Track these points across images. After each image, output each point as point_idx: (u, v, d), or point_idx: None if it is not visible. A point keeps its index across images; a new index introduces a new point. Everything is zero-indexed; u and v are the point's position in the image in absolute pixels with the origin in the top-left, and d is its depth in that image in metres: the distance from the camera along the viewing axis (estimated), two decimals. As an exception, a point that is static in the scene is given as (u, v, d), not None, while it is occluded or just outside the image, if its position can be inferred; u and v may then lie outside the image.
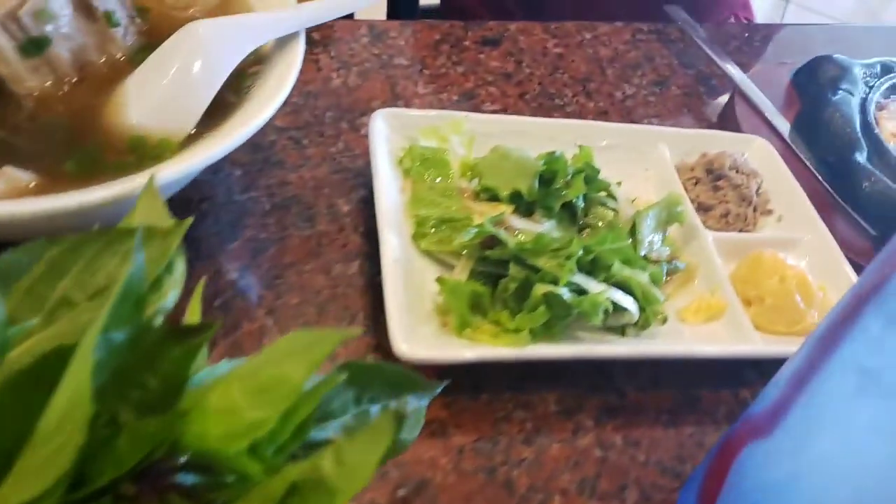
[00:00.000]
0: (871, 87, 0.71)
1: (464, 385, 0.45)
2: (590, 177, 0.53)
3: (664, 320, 0.50)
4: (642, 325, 0.47)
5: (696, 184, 0.59)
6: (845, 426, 0.30)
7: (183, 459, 0.29)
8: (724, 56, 0.75)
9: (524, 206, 0.52)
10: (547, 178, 0.52)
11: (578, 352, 0.43)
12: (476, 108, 0.66)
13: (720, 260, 0.53)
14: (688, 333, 0.49)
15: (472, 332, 0.44)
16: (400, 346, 0.41)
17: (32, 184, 0.39)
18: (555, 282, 0.43)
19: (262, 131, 0.58)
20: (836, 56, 0.74)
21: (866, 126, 0.66)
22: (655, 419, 0.46)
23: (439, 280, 0.45)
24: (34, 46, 0.43)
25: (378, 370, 0.33)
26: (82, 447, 0.22)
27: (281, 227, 0.52)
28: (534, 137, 0.58)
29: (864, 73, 0.73)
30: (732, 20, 1.08)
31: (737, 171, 0.58)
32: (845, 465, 0.30)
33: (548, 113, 0.68)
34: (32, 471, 0.23)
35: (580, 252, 0.44)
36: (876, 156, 0.63)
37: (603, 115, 0.69)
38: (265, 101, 0.43)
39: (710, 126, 0.71)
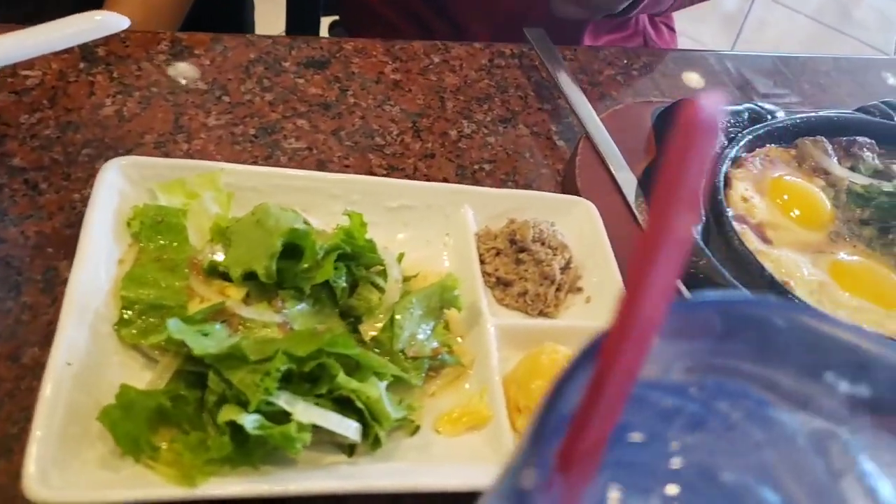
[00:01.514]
0: (731, 139, 0.64)
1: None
2: (353, 254, 0.45)
3: (415, 430, 0.43)
4: (373, 444, 0.40)
5: (497, 255, 0.52)
6: None
7: None
8: (577, 91, 0.67)
9: (265, 288, 0.44)
10: (295, 254, 0.44)
11: (258, 488, 0.36)
12: (275, 146, 0.58)
13: (499, 354, 0.46)
14: (438, 449, 0.42)
15: (150, 459, 0.37)
16: (29, 484, 0.33)
17: None
18: (245, 405, 0.36)
19: (-9, 172, 0.50)
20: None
21: (713, 190, 0.59)
22: (378, 557, 0.40)
23: (121, 388, 0.38)
24: None
25: None
26: None
27: (-25, 299, 0.44)
28: (312, 194, 0.50)
29: (729, 122, 0.66)
30: (649, 27, 1.00)
31: (542, 244, 0.51)
32: None
33: (362, 154, 0.60)
34: None
35: (284, 366, 0.37)
36: (716, 226, 0.56)
37: (428, 159, 0.61)
38: None
39: (555, 175, 0.64)
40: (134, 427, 0.37)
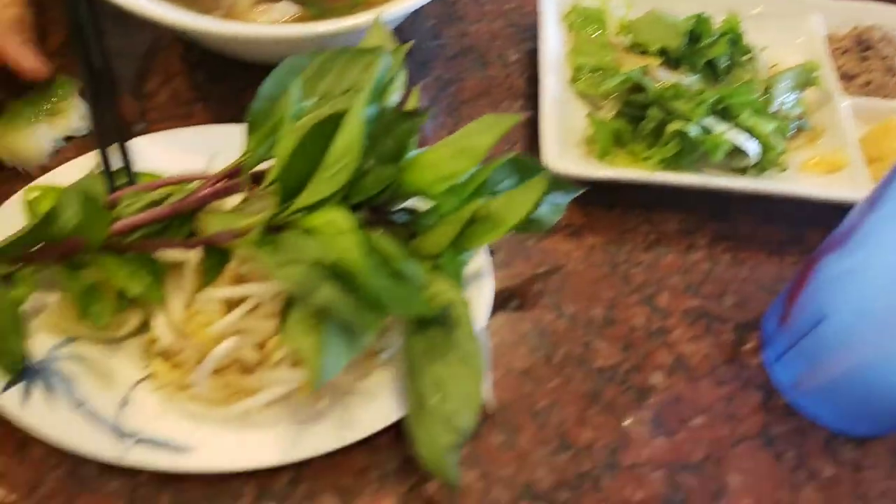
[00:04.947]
0: None
1: (601, 200, 0.55)
2: (734, 40, 0.59)
3: (783, 169, 0.57)
4: (761, 168, 0.55)
5: (843, 53, 0.63)
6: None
7: (400, 206, 0.42)
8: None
9: (671, 61, 0.59)
10: (694, 37, 0.59)
11: (697, 181, 0.52)
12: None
13: (850, 123, 0.58)
14: (803, 182, 0.56)
15: (612, 160, 0.54)
16: (551, 160, 0.52)
17: (296, 15, 0.53)
18: (687, 122, 0.52)
19: (449, -11, 0.69)
20: None
21: None
22: (761, 247, 0.55)
23: (589, 116, 0.55)
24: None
25: (535, 165, 0.45)
26: (355, 170, 0.36)
27: (460, 70, 0.63)
28: (687, 4, 0.64)
29: None
30: None
31: (887, 43, 0.61)
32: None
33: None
34: (323, 182, 0.37)
35: (712, 99, 0.52)
36: None
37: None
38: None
39: None
40: (603, 138, 0.54)
